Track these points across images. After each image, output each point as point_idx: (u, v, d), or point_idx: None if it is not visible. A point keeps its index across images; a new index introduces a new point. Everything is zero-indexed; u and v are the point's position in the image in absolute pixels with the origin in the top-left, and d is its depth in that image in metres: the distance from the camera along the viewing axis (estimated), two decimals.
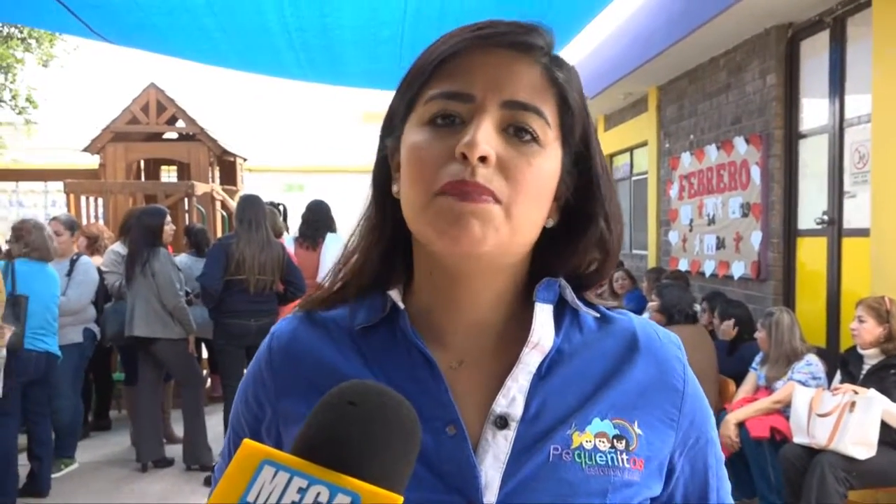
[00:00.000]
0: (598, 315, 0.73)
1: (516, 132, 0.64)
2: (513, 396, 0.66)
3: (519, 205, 0.63)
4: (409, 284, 0.74)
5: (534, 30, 0.67)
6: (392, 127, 0.71)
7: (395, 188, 0.70)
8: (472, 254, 0.63)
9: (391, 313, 0.71)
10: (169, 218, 4.65)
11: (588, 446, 0.65)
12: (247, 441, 0.47)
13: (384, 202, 0.72)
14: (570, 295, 0.71)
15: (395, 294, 0.71)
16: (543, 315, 0.69)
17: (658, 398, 0.70)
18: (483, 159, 0.61)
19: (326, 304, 0.76)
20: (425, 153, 0.64)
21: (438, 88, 0.65)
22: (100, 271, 4.91)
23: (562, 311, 0.72)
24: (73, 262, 4.56)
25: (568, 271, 0.73)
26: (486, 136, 0.61)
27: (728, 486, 0.78)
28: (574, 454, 0.65)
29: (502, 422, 0.65)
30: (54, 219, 4.83)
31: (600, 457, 0.65)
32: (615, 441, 0.66)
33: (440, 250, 0.65)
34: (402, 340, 0.69)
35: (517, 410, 0.66)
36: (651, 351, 0.72)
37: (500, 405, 0.66)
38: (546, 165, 0.65)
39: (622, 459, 0.65)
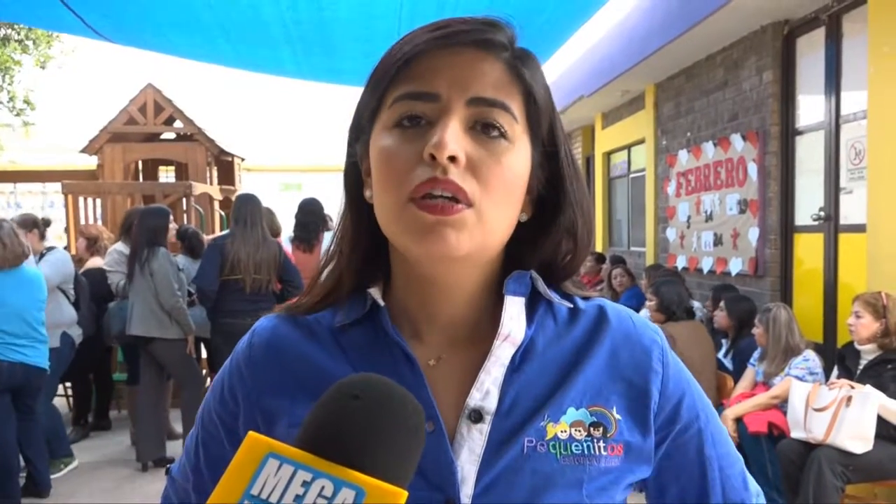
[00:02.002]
0: (571, 305, 0.73)
1: (483, 129, 0.64)
2: (487, 389, 0.66)
3: (491, 205, 0.63)
4: (389, 283, 0.74)
5: (495, 26, 0.67)
6: (359, 131, 0.71)
7: (367, 193, 0.70)
8: (448, 259, 0.63)
9: (371, 311, 0.71)
10: (172, 217, 4.66)
11: (563, 437, 0.65)
12: (252, 433, 0.47)
13: (358, 207, 0.72)
14: (542, 286, 0.72)
15: (374, 292, 0.71)
16: (513, 308, 0.69)
17: (636, 380, 0.70)
18: (452, 159, 0.61)
19: (313, 311, 0.75)
20: (394, 157, 0.63)
21: (403, 90, 0.64)
22: (104, 271, 4.91)
23: (536, 303, 0.72)
24: (41, 257, 4.37)
25: (542, 263, 0.73)
26: (453, 136, 0.61)
27: (745, 489, 0.74)
28: (549, 445, 0.65)
29: (477, 415, 0.65)
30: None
31: (576, 446, 0.65)
32: (592, 429, 0.66)
33: (416, 256, 0.65)
34: (382, 338, 0.70)
35: (491, 404, 0.66)
36: (623, 332, 0.72)
37: (475, 399, 0.66)
38: (515, 161, 0.65)
39: (599, 447, 0.66)
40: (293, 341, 0.73)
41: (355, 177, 0.73)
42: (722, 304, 4.55)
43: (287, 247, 4.73)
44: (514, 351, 0.68)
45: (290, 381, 0.70)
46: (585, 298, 0.75)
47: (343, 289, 0.74)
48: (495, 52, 0.66)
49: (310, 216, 4.88)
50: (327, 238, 4.75)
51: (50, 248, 4.61)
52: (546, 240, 0.72)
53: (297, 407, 0.68)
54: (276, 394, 0.70)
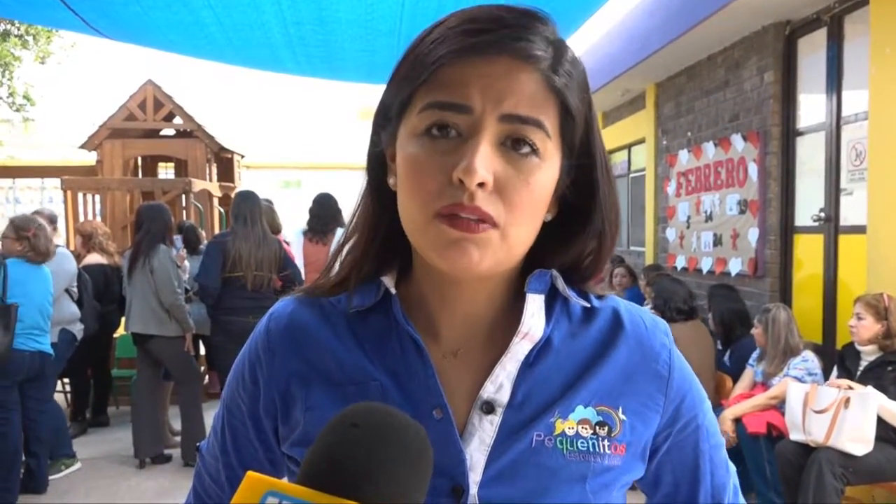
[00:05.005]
0: (587, 304, 0.74)
1: (514, 144, 0.62)
2: (500, 383, 0.68)
3: (516, 227, 0.63)
4: (408, 272, 0.74)
5: (535, 29, 0.64)
6: (387, 120, 0.69)
7: (391, 180, 0.70)
8: (469, 274, 0.64)
9: (385, 299, 0.72)
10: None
11: (570, 433, 0.67)
12: (250, 473, 0.46)
13: (380, 193, 0.72)
14: (560, 284, 0.72)
15: (387, 280, 0.72)
16: (534, 305, 0.70)
17: (643, 384, 0.72)
18: (481, 185, 0.60)
19: (330, 293, 0.76)
20: (423, 170, 0.62)
21: (434, 97, 0.62)
22: (101, 266, 4.90)
23: (553, 301, 0.73)
24: None
25: (564, 264, 0.73)
26: (483, 161, 0.60)
27: (726, 471, 0.78)
28: (556, 440, 0.67)
29: (489, 407, 0.67)
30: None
31: (582, 443, 0.67)
32: (597, 428, 0.68)
33: (438, 267, 0.65)
34: (394, 326, 0.71)
35: (504, 397, 0.68)
36: (636, 337, 0.73)
37: (488, 391, 0.68)
38: (544, 178, 0.64)
39: (603, 446, 0.68)
40: (309, 326, 0.74)
41: (379, 163, 0.72)
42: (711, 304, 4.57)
43: (299, 239, 4.71)
44: (531, 347, 0.69)
45: (304, 366, 0.72)
46: (599, 297, 0.76)
47: (361, 273, 0.74)
48: (533, 62, 0.62)
49: (324, 209, 4.84)
50: (339, 233, 4.73)
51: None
52: (572, 242, 0.72)
53: (312, 391, 0.70)
54: (292, 379, 0.72)
